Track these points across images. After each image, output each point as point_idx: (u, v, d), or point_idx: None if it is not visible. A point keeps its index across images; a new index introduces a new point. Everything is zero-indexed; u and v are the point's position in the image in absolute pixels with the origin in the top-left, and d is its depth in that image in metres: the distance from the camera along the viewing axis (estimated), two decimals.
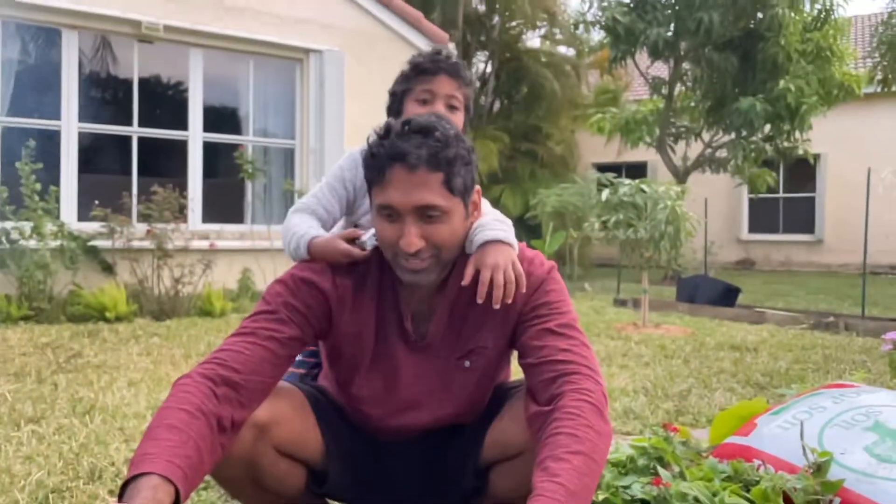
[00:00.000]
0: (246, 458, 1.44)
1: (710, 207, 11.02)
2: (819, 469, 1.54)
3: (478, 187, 1.50)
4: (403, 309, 1.53)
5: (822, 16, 10.78)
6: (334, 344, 1.57)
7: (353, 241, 1.56)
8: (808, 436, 1.69)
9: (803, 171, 14.06)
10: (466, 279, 1.46)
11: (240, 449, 1.41)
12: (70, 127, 6.39)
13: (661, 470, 1.62)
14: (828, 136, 12.64)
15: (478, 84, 14.75)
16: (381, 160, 1.38)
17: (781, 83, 10.23)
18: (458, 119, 1.72)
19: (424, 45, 8.07)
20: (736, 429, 1.99)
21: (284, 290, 1.50)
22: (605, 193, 5.83)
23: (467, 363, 1.55)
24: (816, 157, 12.59)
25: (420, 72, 1.74)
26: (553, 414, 1.32)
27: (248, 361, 1.40)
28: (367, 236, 1.51)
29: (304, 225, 1.64)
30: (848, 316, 6.46)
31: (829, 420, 1.76)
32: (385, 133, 1.40)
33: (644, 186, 5.75)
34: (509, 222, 1.60)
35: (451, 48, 1.61)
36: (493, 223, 1.54)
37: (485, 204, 1.60)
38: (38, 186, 5.68)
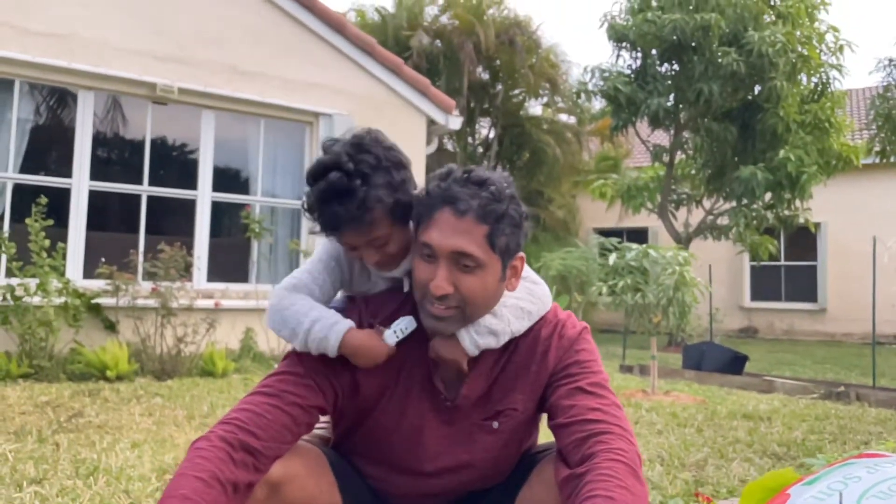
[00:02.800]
0: None
1: (712, 274, 11.03)
2: None
3: (522, 255, 1.48)
4: (432, 366, 1.49)
5: (818, 88, 11.06)
6: (355, 409, 1.53)
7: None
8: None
9: (804, 240, 14.14)
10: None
11: None
12: (81, 185, 6.44)
13: None
14: (828, 205, 12.79)
15: (480, 150, 14.98)
16: (433, 200, 1.40)
17: (781, 153, 10.40)
18: (395, 243, 1.47)
19: (432, 111, 8.24)
20: (766, 500, 1.92)
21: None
22: (613, 257, 5.84)
23: (495, 424, 1.51)
24: (817, 225, 12.69)
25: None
26: (586, 476, 1.27)
27: (270, 427, 1.37)
28: (389, 333, 1.46)
29: (317, 308, 1.47)
30: (858, 386, 6.38)
31: (866, 490, 1.70)
32: (444, 176, 1.42)
33: (651, 251, 5.76)
34: (523, 308, 1.50)
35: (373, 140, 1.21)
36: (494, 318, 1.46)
37: (525, 276, 1.55)
38: (48, 243, 5.69)
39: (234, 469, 1.29)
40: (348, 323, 1.46)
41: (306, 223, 7.14)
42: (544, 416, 1.57)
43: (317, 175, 1.43)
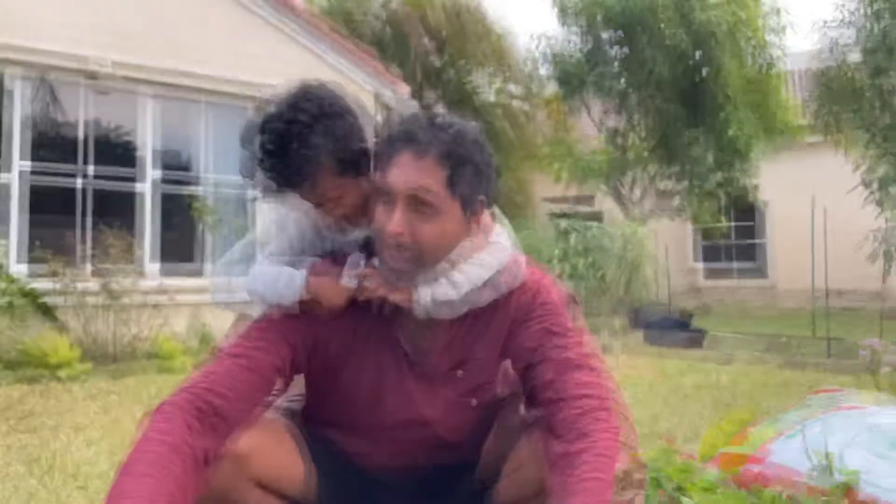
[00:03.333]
0: (223, 492, 1.30)
1: (667, 252, 11.18)
2: (825, 471, 1.46)
3: (487, 206, 1.40)
4: (394, 320, 1.42)
5: (762, 68, 11.28)
6: (319, 369, 1.45)
7: None
8: (809, 443, 1.62)
9: (753, 217, 14.47)
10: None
11: (217, 482, 1.26)
12: (14, 170, 6.17)
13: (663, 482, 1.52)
14: (774, 182, 13.08)
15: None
16: (394, 141, 1.33)
17: (730, 132, 10.59)
18: (351, 196, 1.38)
19: (384, 92, 8.13)
20: (727, 442, 1.90)
21: (279, 313, 1.39)
22: (574, 238, 5.81)
23: (459, 373, 1.45)
24: (765, 203, 12.99)
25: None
26: (582, 456, 1.21)
27: (238, 388, 1.29)
28: (345, 279, 1.38)
29: (285, 269, 1.39)
30: (800, 337, 6.56)
31: (825, 427, 1.70)
32: (408, 120, 1.35)
33: (610, 229, 5.78)
34: (487, 264, 1.39)
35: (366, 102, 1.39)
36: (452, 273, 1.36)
37: (496, 230, 1.46)
38: None
39: (203, 434, 1.22)
40: (311, 260, 1.40)
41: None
42: None
43: (247, 138, 1.36)
